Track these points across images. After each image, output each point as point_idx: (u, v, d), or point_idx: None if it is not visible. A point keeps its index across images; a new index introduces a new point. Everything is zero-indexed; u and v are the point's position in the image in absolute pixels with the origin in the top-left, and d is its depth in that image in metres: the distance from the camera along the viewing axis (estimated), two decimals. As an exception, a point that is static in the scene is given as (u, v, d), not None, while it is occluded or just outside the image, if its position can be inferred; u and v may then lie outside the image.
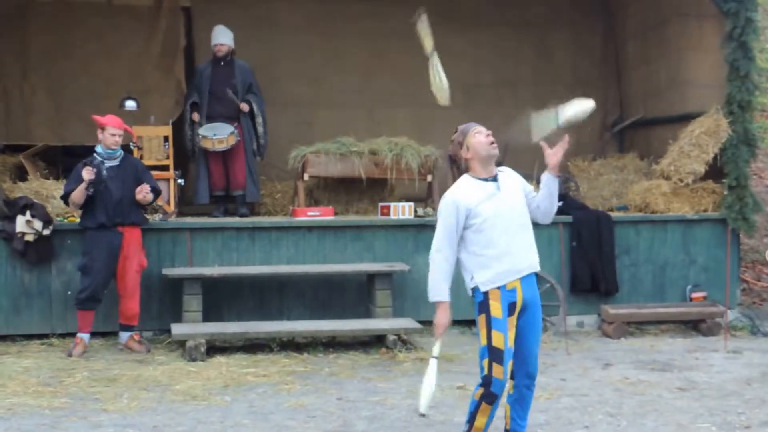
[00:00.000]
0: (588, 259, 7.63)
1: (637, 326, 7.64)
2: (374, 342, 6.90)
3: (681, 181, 7.95)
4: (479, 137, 4.15)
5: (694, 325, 7.64)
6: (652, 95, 9.39)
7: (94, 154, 6.66)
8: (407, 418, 5.02)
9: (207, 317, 6.91)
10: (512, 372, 4.16)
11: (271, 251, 7.36)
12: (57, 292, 6.99)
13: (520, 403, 4.21)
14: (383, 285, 7.12)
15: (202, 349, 6.37)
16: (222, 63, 8.20)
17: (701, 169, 7.91)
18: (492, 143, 4.15)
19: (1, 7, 8.93)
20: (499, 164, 4.35)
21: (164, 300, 7.14)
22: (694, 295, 7.78)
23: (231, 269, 7.15)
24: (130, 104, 8.07)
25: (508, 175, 4.26)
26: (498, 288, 4.04)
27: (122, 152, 6.71)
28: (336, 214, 7.92)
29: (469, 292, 4.15)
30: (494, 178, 4.17)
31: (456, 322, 7.42)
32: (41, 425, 4.85)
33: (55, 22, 8.99)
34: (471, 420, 4.09)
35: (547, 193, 4.23)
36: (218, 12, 8.92)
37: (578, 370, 6.23)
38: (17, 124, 8.82)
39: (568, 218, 7.70)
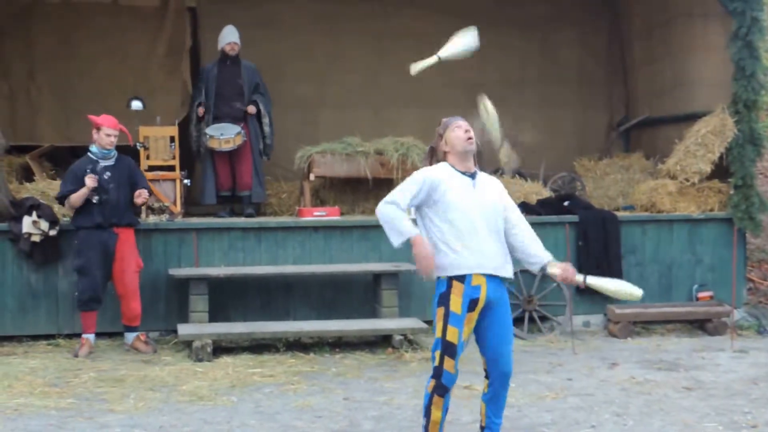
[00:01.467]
0: (594, 258, 7.62)
1: (644, 326, 7.63)
2: (380, 342, 6.90)
3: (687, 180, 7.94)
4: (458, 132, 4.16)
5: (700, 325, 7.63)
6: (658, 95, 9.38)
7: (89, 154, 6.67)
8: (414, 418, 5.02)
9: (213, 317, 6.92)
10: (486, 371, 4.20)
11: (278, 251, 7.37)
12: (63, 293, 7.00)
13: (495, 401, 4.22)
14: (389, 285, 7.12)
15: (209, 350, 6.38)
16: (228, 63, 8.21)
17: (707, 168, 7.90)
18: (469, 139, 4.14)
19: (7, 8, 8.96)
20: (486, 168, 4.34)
21: (171, 300, 7.15)
22: (701, 294, 7.77)
23: (237, 269, 7.16)
24: (137, 104, 8.08)
25: (488, 180, 4.24)
26: (462, 281, 4.03)
27: (116, 152, 6.72)
28: (342, 214, 7.92)
29: (433, 278, 4.08)
30: (471, 175, 4.16)
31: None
32: (48, 426, 4.86)
33: (61, 23, 9.01)
34: (427, 414, 4.14)
35: (527, 257, 4.19)
36: (224, 12, 8.93)
37: (584, 369, 6.22)
38: (23, 125, 8.84)
39: (574, 218, 7.69)
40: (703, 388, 5.71)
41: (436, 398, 4.09)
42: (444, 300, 4.07)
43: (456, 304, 4.03)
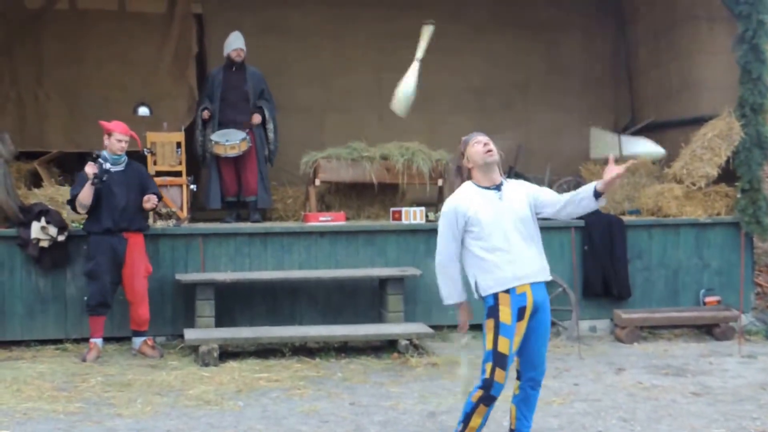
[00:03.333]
0: (600, 263, 7.60)
1: (650, 331, 7.61)
2: (386, 347, 6.90)
3: (693, 184, 7.93)
4: (477, 147, 4.22)
5: (707, 330, 7.60)
6: (664, 98, 9.37)
7: (99, 160, 6.69)
8: (420, 423, 5.03)
9: (220, 322, 6.94)
10: (518, 373, 4.23)
11: (283, 256, 7.38)
12: (72, 298, 7.03)
13: (526, 403, 4.26)
14: (395, 290, 7.13)
15: (215, 354, 6.39)
16: (234, 69, 8.24)
17: (714, 172, 7.88)
18: (488, 151, 4.20)
19: (15, 15, 9.02)
20: (511, 168, 4.38)
21: (177, 305, 7.17)
22: (708, 299, 7.74)
23: (243, 274, 7.17)
24: (143, 110, 8.12)
25: (514, 186, 4.29)
26: (507, 292, 4.09)
27: (126, 158, 6.75)
28: (347, 219, 7.93)
29: (476, 295, 4.20)
30: (497, 187, 4.21)
31: (469, 327, 7.42)
32: (56, 430, 4.88)
33: (68, 29, 9.06)
34: (466, 420, 4.18)
35: (578, 203, 4.18)
36: (229, 18, 8.98)
37: (591, 374, 6.21)
38: (32, 131, 8.88)
39: (580, 222, 7.68)
40: (710, 394, 5.69)
41: (481, 407, 4.13)
42: (493, 312, 4.11)
43: (505, 314, 4.08)
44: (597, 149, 4.27)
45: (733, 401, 5.51)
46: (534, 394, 4.25)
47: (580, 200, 4.17)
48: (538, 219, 4.27)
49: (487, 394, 4.10)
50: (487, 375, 4.08)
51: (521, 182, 4.36)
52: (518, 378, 4.24)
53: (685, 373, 6.25)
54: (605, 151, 4.44)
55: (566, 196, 4.23)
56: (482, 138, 4.24)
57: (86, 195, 6.51)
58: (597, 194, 4.12)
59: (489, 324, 4.11)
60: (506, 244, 4.11)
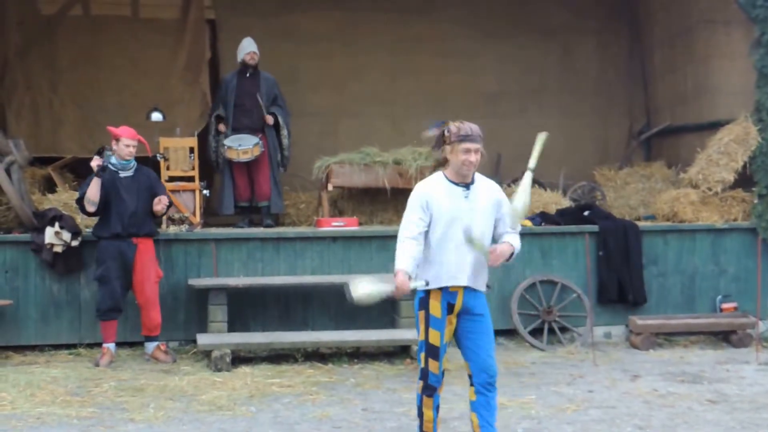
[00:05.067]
0: (615, 269, 7.55)
1: (666, 337, 7.54)
2: (399, 352, 6.88)
3: (710, 189, 7.86)
4: (462, 157, 4.13)
5: (724, 337, 7.53)
6: (680, 103, 9.31)
7: (108, 165, 6.70)
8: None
9: (232, 327, 6.93)
10: (470, 378, 4.23)
11: (296, 261, 7.37)
12: (85, 303, 7.05)
13: (485, 407, 4.21)
14: (408, 295, 7.08)
15: (228, 360, 6.39)
16: (248, 74, 8.25)
17: (730, 177, 7.81)
18: (469, 167, 4.14)
19: (30, 21, 9.09)
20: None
21: (190, 310, 7.17)
22: (725, 305, 7.67)
23: (256, 279, 7.17)
24: (156, 116, 8.14)
25: (485, 188, 4.24)
26: (439, 288, 4.16)
27: (135, 163, 6.76)
28: (360, 224, 7.92)
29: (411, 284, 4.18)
30: (466, 186, 4.19)
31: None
32: (68, 435, 4.90)
33: (82, 36, 9.12)
34: (420, 414, 4.32)
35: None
36: (242, 24, 9.00)
37: (606, 381, 6.16)
38: (46, 137, 8.94)
39: (595, 228, 7.63)
40: (727, 402, 5.63)
41: (425, 399, 4.27)
42: (424, 304, 4.22)
43: (435, 308, 4.19)
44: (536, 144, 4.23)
45: (750, 409, 5.44)
46: (491, 396, 4.22)
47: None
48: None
49: (426, 383, 4.23)
50: (422, 364, 4.23)
51: (494, 188, 4.28)
52: (471, 384, 4.23)
53: (701, 381, 6.19)
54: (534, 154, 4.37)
55: (504, 231, 4.23)
56: (472, 146, 4.11)
57: (93, 190, 6.52)
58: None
59: (421, 315, 4.24)
60: (454, 243, 4.12)
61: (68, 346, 7.02)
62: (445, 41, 9.64)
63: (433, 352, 4.18)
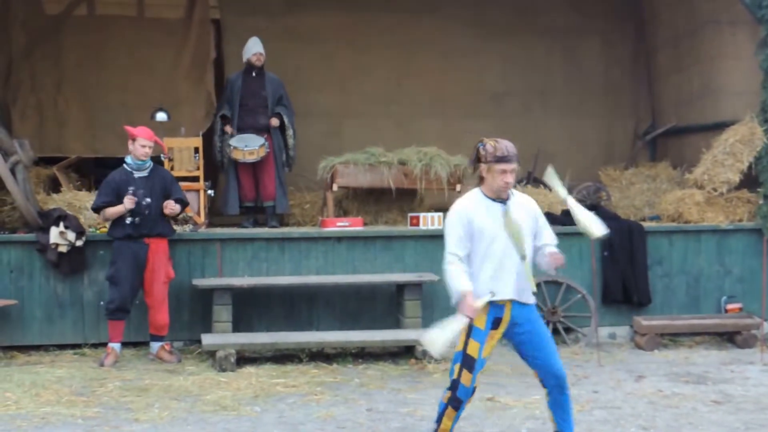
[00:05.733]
0: (620, 269, 7.53)
1: (671, 338, 7.53)
2: (403, 353, 6.87)
3: (715, 190, 7.84)
4: (499, 178, 4.16)
5: (729, 337, 7.51)
6: (685, 103, 9.29)
7: (124, 165, 6.73)
8: (437, 430, 4.99)
9: (237, 327, 6.93)
10: (541, 381, 4.27)
11: (301, 262, 7.37)
12: (90, 303, 7.06)
13: (559, 406, 4.28)
14: (413, 295, 7.10)
15: (232, 360, 6.39)
16: (253, 74, 8.25)
17: (735, 178, 7.80)
18: (505, 188, 4.18)
19: (35, 21, 9.10)
20: (530, 174, 4.36)
21: (195, 310, 7.17)
22: (729, 306, 7.65)
23: (261, 280, 7.17)
24: (161, 116, 8.15)
25: (522, 203, 4.29)
26: (487, 302, 4.13)
27: (151, 163, 6.77)
28: (365, 224, 7.91)
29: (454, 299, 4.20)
30: (503, 201, 4.22)
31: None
32: (73, 435, 4.90)
33: (88, 36, 9.12)
34: (438, 420, 4.27)
35: (537, 260, 4.32)
36: (247, 24, 9.00)
37: (611, 382, 6.15)
38: (51, 137, 8.94)
39: (600, 228, 7.60)
40: (732, 402, 5.62)
41: (449, 410, 4.21)
42: None
43: (480, 320, 4.14)
44: (550, 182, 4.34)
45: (755, 409, 5.43)
46: (563, 398, 4.27)
47: (539, 259, 4.30)
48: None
49: (454, 395, 4.17)
50: (455, 375, 4.17)
51: (530, 202, 4.34)
52: (543, 386, 4.29)
53: (706, 381, 6.18)
54: (555, 192, 4.47)
55: (544, 243, 4.28)
56: (509, 167, 4.14)
57: (113, 215, 6.60)
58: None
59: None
60: (499, 258, 4.14)
61: (73, 346, 7.03)
62: (450, 41, 9.63)
63: (469, 363, 4.13)
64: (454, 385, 4.16)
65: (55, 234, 6.87)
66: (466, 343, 4.14)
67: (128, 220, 6.57)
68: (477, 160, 4.24)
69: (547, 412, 4.35)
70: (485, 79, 9.81)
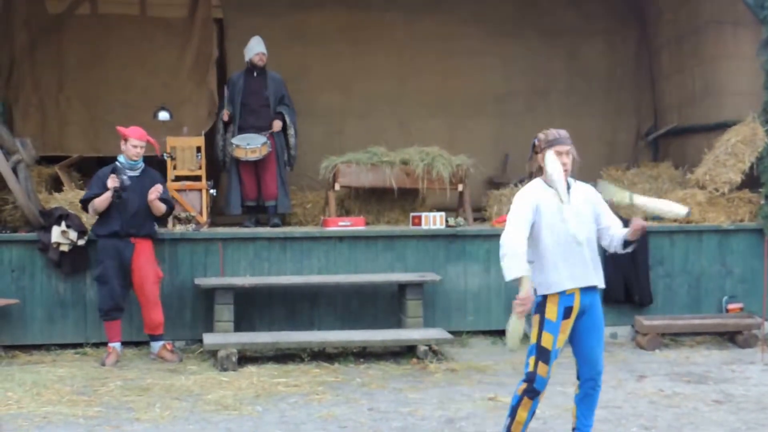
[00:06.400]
0: (621, 269, 7.52)
1: (672, 338, 7.52)
2: (405, 352, 6.88)
3: (716, 190, 7.84)
4: (555, 162, 4.22)
5: (730, 337, 7.51)
6: (687, 103, 9.29)
7: (116, 163, 6.73)
8: (438, 429, 5.00)
9: (238, 327, 6.94)
10: (578, 372, 4.34)
11: (303, 261, 7.38)
12: (91, 302, 7.05)
13: (586, 402, 4.34)
14: (414, 295, 7.10)
15: (234, 359, 6.39)
16: (255, 74, 8.25)
17: (737, 178, 7.79)
18: (564, 171, 4.24)
19: (37, 20, 9.10)
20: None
21: (196, 310, 7.18)
22: (731, 306, 7.65)
23: (262, 279, 7.17)
24: (164, 115, 8.16)
25: (582, 191, 4.35)
26: (557, 293, 4.19)
27: (143, 164, 6.77)
28: (367, 224, 7.91)
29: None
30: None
31: (487, 333, 7.39)
32: (75, 434, 4.91)
33: (90, 34, 9.13)
34: (512, 414, 4.28)
35: (610, 245, 4.38)
36: (250, 23, 9.00)
37: (612, 381, 6.14)
38: (53, 136, 8.95)
39: (601, 228, 7.60)
40: (733, 402, 5.62)
41: (525, 400, 4.24)
42: (540, 308, 4.23)
43: (551, 311, 4.20)
44: (607, 195, 4.38)
45: (756, 409, 5.43)
46: (593, 394, 4.33)
47: (613, 244, 4.35)
48: None
49: (531, 387, 4.21)
50: (530, 368, 4.21)
51: (590, 191, 4.40)
52: (578, 378, 4.35)
53: (707, 381, 6.18)
54: (618, 199, 4.52)
55: (613, 231, 4.32)
56: (563, 149, 4.22)
57: (102, 203, 6.56)
58: (626, 243, 4.31)
59: (535, 319, 4.24)
60: (562, 249, 4.20)
61: (74, 346, 7.03)
62: (452, 41, 9.63)
63: (544, 355, 4.18)
64: (531, 378, 4.20)
65: (56, 233, 6.88)
66: (539, 336, 4.19)
67: (116, 199, 6.45)
68: (534, 153, 4.32)
69: (571, 406, 4.40)
70: (488, 80, 9.81)
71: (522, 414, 4.25)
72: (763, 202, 7.72)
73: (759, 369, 6.57)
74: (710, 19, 8.72)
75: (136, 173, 6.71)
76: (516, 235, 4.17)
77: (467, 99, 9.67)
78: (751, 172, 7.79)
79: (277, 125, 8.15)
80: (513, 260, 4.11)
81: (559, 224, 4.20)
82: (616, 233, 4.33)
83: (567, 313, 4.20)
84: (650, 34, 9.97)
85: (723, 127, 8.19)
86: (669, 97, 9.69)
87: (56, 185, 8.19)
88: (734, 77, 8.39)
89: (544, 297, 4.22)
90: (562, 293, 4.19)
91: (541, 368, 4.19)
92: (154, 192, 6.60)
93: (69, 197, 7.66)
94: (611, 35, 10.01)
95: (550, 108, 9.77)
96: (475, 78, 9.73)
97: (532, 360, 4.21)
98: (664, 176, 8.95)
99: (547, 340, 4.18)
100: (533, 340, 4.23)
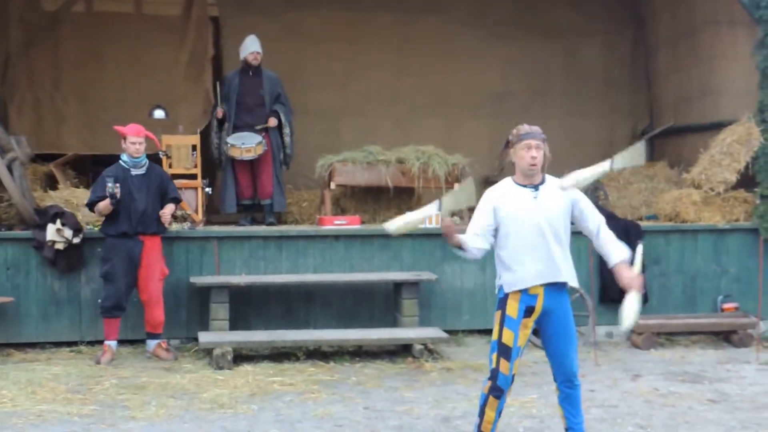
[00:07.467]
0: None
1: (667, 337, 7.54)
2: (401, 351, 6.87)
3: (712, 190, 7.85)
4: (523, 154, 4.23)
5: (725, 337, 7.52)
6: (683, 103, 9.30)
7: (120, 162, 6.72)
8: (434, 428, 5.00)
9: (234, 325, 6.93)
10: (553, 375, 4.33)
11: (298, 260, 7.37)
12: (86, 300, 7.05)
13: (569, 401, 4.33)
14: (410, 294, 7.10)
15: (229, 358, 6.39)
16: (250, 73, 8.23)
17: (732, 177, 7.81)
18: (532, 165, 4.22)
19: (34, 18, 9.08)
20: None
21: (192, 308, 7.17)
22: (726, 305, 7.66)
23: (258, 278, 7.17)
24: (159, 113, 8.14)
25: (554, 187, 4.31)
26: (519, 290, 4.19)
27: (147, 161, 6.76)
28: (363, 222, 7.91)
29: (496, 289, 4.31)
30: (535, 187, 4.25)
31: (484, 332, 7.39)
32: (70, 432, 4.89)
33: (86, 33, 9.12)
34: (481, 413, 4.28)
35: (601, 252, 4.41)
36: (246, 22, 8.99)
37: (607, 381, 6.15)
38: (48, 134, 8.93)
39: (597, 227, 7.61)
40: (728, 401, 5.63)
41: (491, 399, 4.23)
42: (502, 304, 4.24)
43: (512, 308, 4.20)
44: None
45: (751, 408, 5.44)
46: (573, 392, 4.32)
47: (603, 254, 4.37)
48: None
49: (495, 385, 4.20)
50: (493, 365, 4.21)
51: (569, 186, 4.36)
52: (554, 380, 4.33)
53: (702, 380, 6.19)
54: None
55: (602, 234, 4.33)
56: (533, 143, 4.22)
57: (104, 208, 6.56)
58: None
59: (497, 316, 4.25)
60: (529, 244, 4.17)
61: (69, 344, 7.02)
62: (449, 41, 9.63)
63: (505, 352, 4.17)
64: (494, 375, 4.19)
65: (51, 231, 6.86)
66: (500, 332, 4.19)
67: (111, 202, 6.45)
68: (507, 149, 4.32)
69: (557, 410, 4.39)
70: (485, 79, 9.81)
71: (490, 413, 4.24)
72: (758, 201, 7.73)
73: (754, 368, 6.59)
74: (707, 20, 8.74)
75: (141, 171, 6.70)
76: (470, 230, 4.21)
77: (464, 98, 9.67)
78: (747, 172, 7.80)
79: (272, 121, 8.14)
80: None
81: (525, 219, 4.17)
82: (608, 251, 4.31)
83: (528, 312, 4.19)
84: (647, 34, 9.99)
85: (719, 126, 8.21)
86: (665, 96, 9.71)
87: (51, 183, 8.17)
88: (730, 77, 8.41)
89: (506, 294, 4.21)
90: (524, 291, 4.17)
91: (503, 365, 4.16)
92: (164, 216, 6.63)
93: (64, 195, 7.64)
94: (609, 35, 10.03)
95: (547, 107, 9.78)
96: (472, 77, 9.74)
97: (494, 356, 4.20)
98: (659, 176, 8.98)
99: (507, 337, 4.17)
100: (494, 336, 4.23)
